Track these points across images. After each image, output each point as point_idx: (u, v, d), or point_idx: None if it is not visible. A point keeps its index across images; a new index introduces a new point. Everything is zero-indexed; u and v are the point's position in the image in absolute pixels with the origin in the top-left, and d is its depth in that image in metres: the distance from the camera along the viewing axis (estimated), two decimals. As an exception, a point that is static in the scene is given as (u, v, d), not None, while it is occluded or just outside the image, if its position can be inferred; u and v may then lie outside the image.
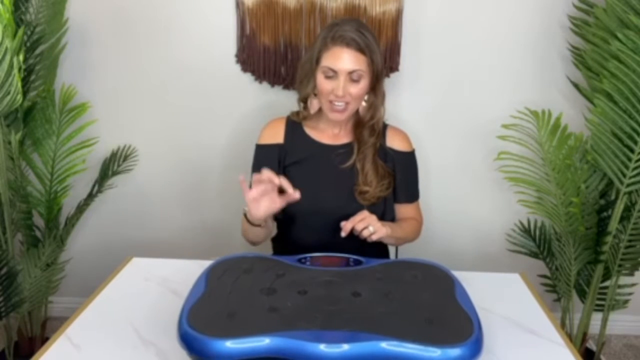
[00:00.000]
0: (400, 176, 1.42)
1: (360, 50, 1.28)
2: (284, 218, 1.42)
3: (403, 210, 1.46)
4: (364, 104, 1.36)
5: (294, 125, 1.43)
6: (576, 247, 1.72)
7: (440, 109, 1.92)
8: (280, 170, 1.40)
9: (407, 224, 1.43)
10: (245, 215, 1.29)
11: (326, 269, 1.07)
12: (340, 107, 1.31)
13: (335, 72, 1.29)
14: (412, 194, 1.46)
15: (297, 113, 1.44)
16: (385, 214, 1.40)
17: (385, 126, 1.44)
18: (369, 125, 1.38)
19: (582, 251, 1.73)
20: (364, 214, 1.25)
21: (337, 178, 1.37)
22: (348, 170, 1.37)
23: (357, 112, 1.39)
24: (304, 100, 1.41)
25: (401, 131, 1.46)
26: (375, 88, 1.34)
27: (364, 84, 1.31)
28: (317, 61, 1.32)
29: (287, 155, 1.40)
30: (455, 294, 0.98)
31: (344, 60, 1.28)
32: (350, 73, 1.28)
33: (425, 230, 1.93)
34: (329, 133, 1.42)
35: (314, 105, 1.40)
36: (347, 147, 1.39)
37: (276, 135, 1.42)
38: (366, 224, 1.23)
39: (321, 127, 1.42)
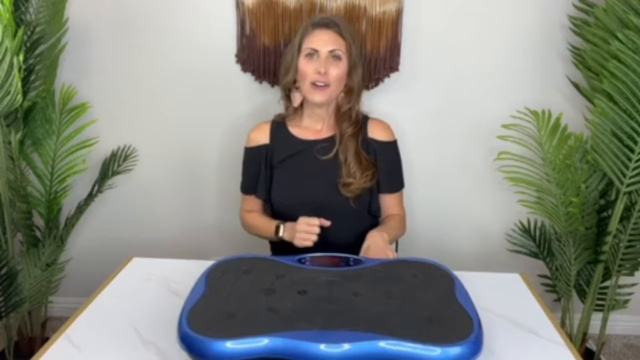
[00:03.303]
0: (383, 166, 1.45)
1: (340, 33, 1.38)
2: (275, 215, 1.44)
3: (387, 200, 1.48)
4: (342, 94, 1.42)
5: (278, 126, 1.48)
6: (576, 247, 1.72)
7: (440, 109, 1.92)
8: (268, 169, 1.45)
9: (394, 222, 1.46)
10: (277, 230, 1.38)
11: (326, 269, 1.07)
12: (322, 85, 1.36)
13: (316, 50, 1.36)
14: (395, 184, 1.48)
15: (280, 114, 1.50)
16: (371, 205, 1.43)
17: (366, 118, 1.48)
18: (347, 114, 1.43)
19: (582, 251, 1.73)
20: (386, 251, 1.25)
21: (322, 172, 1.41)
22: (332, 164, 1.40)
23: (336, 104, 1.43)
24: (286, 91, 1.46)
25: (382, 122, 1.49)
26: (351, 73, 1.40)
27: (343, 66, 1.37)
28: (299, 48, 1.39)
29: (274, 154, 1.45)
30: (455, 293, 0.98)
31: (325, 39, 1.36)
32: (331, 52, 1.36)
33: (425, 230, 1.93)
34: (312, 129, 1.46)
35: (296, 98, 1.45)
36: (330, 140, 1.43)
37: (262, 137, 1.47)
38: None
39: (304, 124, 1.47)
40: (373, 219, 1.47)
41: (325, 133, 1.45)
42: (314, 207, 1.36)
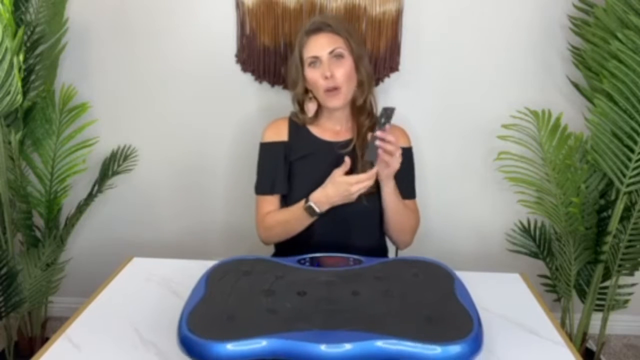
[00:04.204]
0: (398, 173, 1.42)
1: (334, 32, 1.36)
2: None
3: None
4: (355, 89, 1.41)
5: (296, 124, 1.46)
6: (576, 247, 1.72)
7: (440, 109, 1.92)
8: (287, 165, 1.43)
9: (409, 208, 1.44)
10: (309, 209, 1.31)
11: (325, 269, 1.07)
12: (333, 89, 1.34)
13: (317, 57, 1.35)
14: (409, 191, 1.46)
15: (298, 116, 1.47)
16: (382, 211, 1.41)
17: None
18: (363, 106, 1.42)
19: (582, 251, 1.73)
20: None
21: None
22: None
23: (353, 102, 1.42)
24: (299, 103, 1.45)
25: (399, 127, 1.49)
26: (358, 67, 1.39)
27: (348, 62, 1.36)
28: (301, 59, 1.38)
29: (292, 151, 1.43)
30: (455, 291, 0.99)
31: (321, 43, 1.35)
32: (331, 53, 1.35)
33: (425, 230, 1.92)
34: (331, 130, 1.45)
35: (310, 108, 1.44)
36: (349, 142, 1.42)
37: (280, 134, 1.45)
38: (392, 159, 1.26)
39: (323, 125, 1.46)
40: None
41: (344, 135, 1.44)
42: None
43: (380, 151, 1.24)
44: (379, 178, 1.32)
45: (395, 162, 1.28)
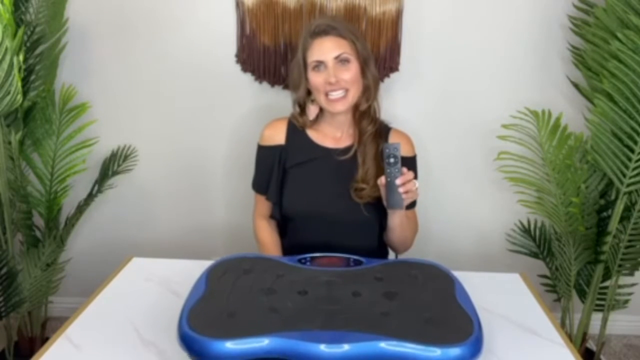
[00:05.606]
0: None
1: (340, 35, 1.31)
2: (284, 220, 1.42)
3: None
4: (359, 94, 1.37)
5: (295, 127, 1.42)
6: (576, 247, 1.72)
7: (440, 109, 1.92)
8: (281, 171, 1.40)
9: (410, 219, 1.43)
10: None
11: (326, 269, 1.07)
12: (338, 96, 1.31)
13: (322, 62, 1.30)
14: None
15: (297, 118, 1.43)
16: (382, 219, 1.39)
17: (388, 129, 1.43)
18: (366, 111, 1.37)
19: (582, 251, 1.73)
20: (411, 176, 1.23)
21: (337, 180, 1.37)
22: (348, 171, 1.36)
23: (356, 107, 1.38)
24: (300, 106, 1.41)
25: (404, 135, 1.44)
26: (364, 72, 1.35)
27: (354, 67, 1.31)
28: (304, 62, 1.34)
29: (289, 157, 1.40)
30: (455, 294, 0.98)
31: (327, 47, 1.30)
32: (337, 58, 1.30)
33: (425, 231, 1.93)
34: (331, 136, 1.41)
35: (311, 111, 1.40)
36: (349, 149, 1.38)
37: (277, 137, 1.42)
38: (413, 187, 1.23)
39: (323, 130, 1.42)
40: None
41: (344, 141, 1.40)
42: (324, 214, 1.34)
43: (404, 195, 1.22)
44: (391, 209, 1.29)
45: (416, 194, 1.24)
